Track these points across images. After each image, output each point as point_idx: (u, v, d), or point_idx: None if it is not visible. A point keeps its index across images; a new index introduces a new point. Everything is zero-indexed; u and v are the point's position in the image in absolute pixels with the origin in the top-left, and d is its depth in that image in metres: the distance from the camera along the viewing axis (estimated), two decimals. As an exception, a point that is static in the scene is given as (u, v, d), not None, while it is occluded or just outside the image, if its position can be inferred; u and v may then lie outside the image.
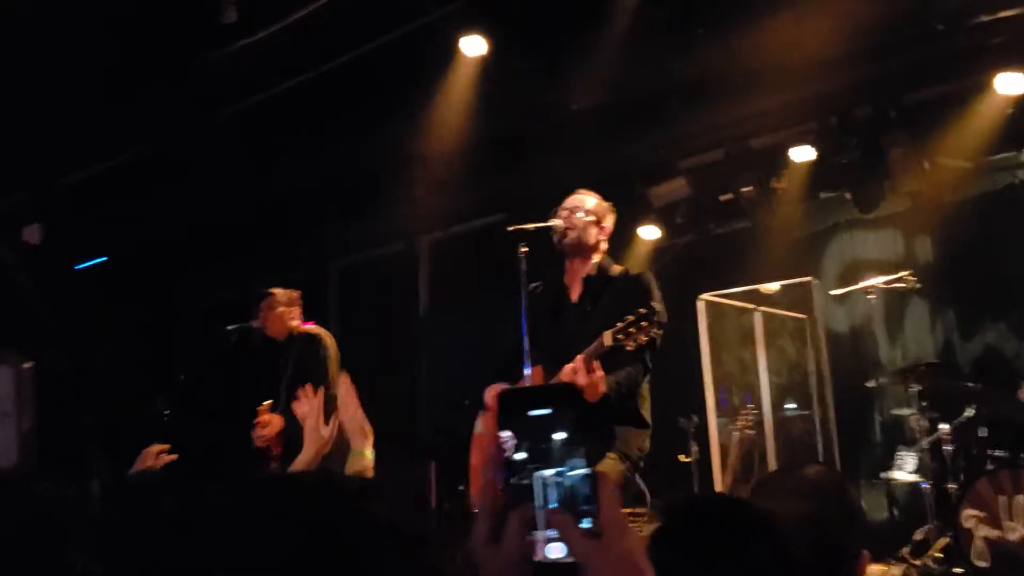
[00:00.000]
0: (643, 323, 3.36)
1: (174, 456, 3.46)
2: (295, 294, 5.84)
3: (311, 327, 5.70)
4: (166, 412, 5.92)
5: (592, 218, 3.94)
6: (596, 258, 3.96)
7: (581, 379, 3.37)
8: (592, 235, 3.92)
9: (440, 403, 8.93)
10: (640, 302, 3.55)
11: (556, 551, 0.88)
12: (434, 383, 9.02)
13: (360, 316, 8.97)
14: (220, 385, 7.13)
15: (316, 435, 2.89)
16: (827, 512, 1.70)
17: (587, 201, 3.98)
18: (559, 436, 0.91)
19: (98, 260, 9.40)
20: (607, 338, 3.40)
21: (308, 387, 3.13)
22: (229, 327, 6.03)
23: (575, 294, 3.97)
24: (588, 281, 3.93)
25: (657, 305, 3.52)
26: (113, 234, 8.77)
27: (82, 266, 9.43)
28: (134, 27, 6.01)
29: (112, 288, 8.72)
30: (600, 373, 3.39)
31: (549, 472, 0.90)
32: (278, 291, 5.76)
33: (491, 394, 3.96)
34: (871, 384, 6.56)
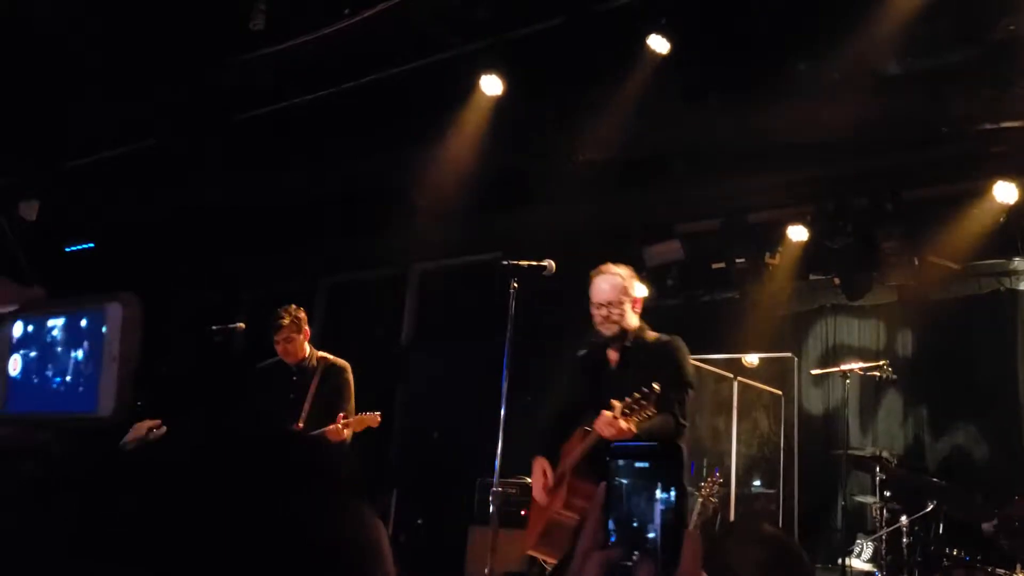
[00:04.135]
0: (643, 402, 3.61)
1: (164, 430, 3.49)
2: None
3: (332, 357, 5.64)
4: (139, 402, 5.90)
5: (627, 301, 4.08)
6: (634, 325, 4.12)
7: (612, 431, 3.62)
8: (630, 315, 4.09)
9: (410, 433, 8.93)
10: (666, 366, 3.87)
11: None
12: (407, 411, 9.02)
13: (343, 334, 8.99)
14: (199, 383, 7.12)
15: None
16: (782, 561, 1.76)
17: (616, 287, 4.08)
18: (655, 489, 0.99)
19: (87, 245, 9.41)
20: (616, 410, 3.65)
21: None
22: (214, 327, 6.02)
23: (614, 358, 4.14)
24: (625, 349, 4.10)
25: (684, 371, 3.93)
26: (111, 221, 8.81)
27: (72, 248, 9.44)
28: (165, 20, 6.11)
29: (104, 274, 8.73)
30: (628, 424, 3.62)
31: (641, 522, 0.97)
32: (302, 312, 5.58)
33: (539, 469, 4.13)
34: (838, 468, 6.61)
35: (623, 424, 3.60)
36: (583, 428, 3.97)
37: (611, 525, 0.98)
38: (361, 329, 9.07)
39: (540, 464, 4.10)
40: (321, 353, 5.60)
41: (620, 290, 4.05)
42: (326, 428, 5.17)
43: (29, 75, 6.64)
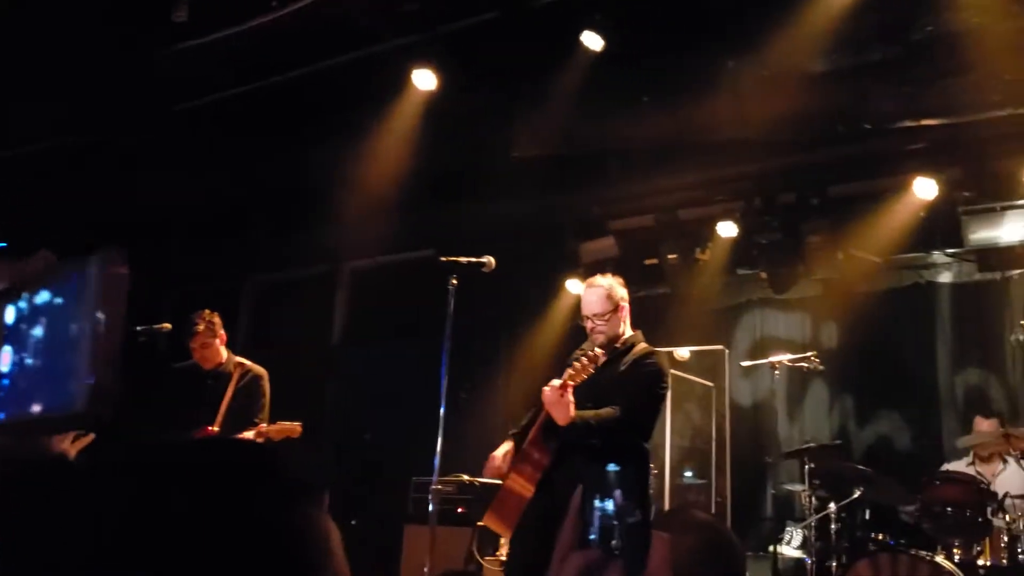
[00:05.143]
0: (584, 360, 3.81)
1: (91, 437, 3.37)
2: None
3: (250, 363, 5.58)
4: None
5: (611, 312, 4.14)
6: (627, 333, 4.22)
7: (551, 395, 3.77)
8: (619, 324, 4.19)
9: (341, 433, 8.81)
10: (638, 378, 3.95)
11: None
12: (338, 412, 8.90)
13: (271, 335, 8.83)
14: (123, 384, 6.92)
15: None
16: (715, 547, 1.78)
17: (601, 299, 4.17)
18: (623, 493, 1.01)
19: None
20: (565, 374, 3.83)
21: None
22: (138, 328, 5.87)
23: (602, 361, 4.21)
24: (613, 351, 4.18)
25: (654, 381, 4.01)
26: (24, 219, 8.47)
27: (-17, 249, 9.05)
28: (86, 12, 5.90)
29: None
30: (568, 398, 3.76)
31: (612, 523, 1.01)
32: (216, 317, 5.55)
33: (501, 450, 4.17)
34: (768, 458, 6.74)
35: (563, 397, 3.74)
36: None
37: (587, 528, 0.99)
38: (290, 328, 8.92)
39: (505, 445, 4.19)
40: (239, 359, 5.56)
41: (605, 301, 4.15)
42: (239, 436, 5.09)
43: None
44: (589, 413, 3.82)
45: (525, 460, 3.92)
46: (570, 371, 3.80)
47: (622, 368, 4.03)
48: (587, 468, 1.06)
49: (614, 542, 0.98)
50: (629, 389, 3.93)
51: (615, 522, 0.99)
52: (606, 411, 3.85)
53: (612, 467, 1.02)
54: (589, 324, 4.16)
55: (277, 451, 0.88)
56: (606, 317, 4.12)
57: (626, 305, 4.23)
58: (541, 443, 3.92)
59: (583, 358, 3.82)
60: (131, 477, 0.75)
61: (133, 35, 6.31)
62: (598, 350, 3.90)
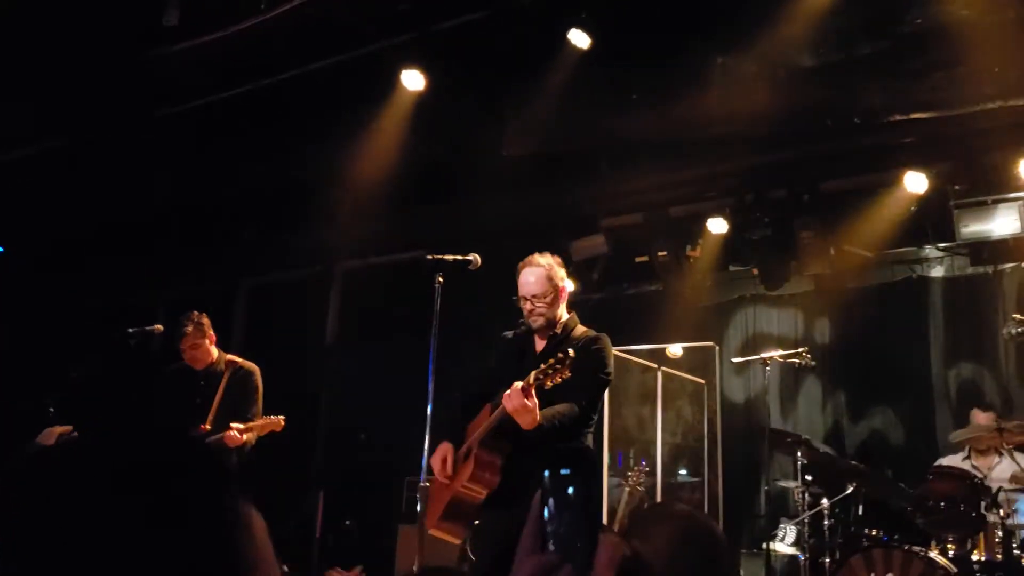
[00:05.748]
0: (558, 366, 3.57)
1: (75, 437, 3.38)
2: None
3: (241, 360, 5.60)
4: (51, 408, 5.71)
5: (552, 293, 4.03)
6: (563, 317, 4.11)
7: (515, 401, 3.57)
8: (557, 307, 4.07)
9: (336, 433, 8.81)
10: (587, 361, 3.77)
11: None
12: (333, 412, 8.90)
13: (266, 337, 8.82)
14: (114, 386, 6.91)
15: None
16: (693, 537, 1.77)
17: (540, 279, 4.03)
18: (573, 495, 1.02)
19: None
20: (531, 377, 3.61)
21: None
22: (131, 330, 5.88)
23: (540, 346, 4.12)
24: (552, 337, 4.08)
25: (603, 368, 3.88)
26: (18, 223, 8.48)
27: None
28: (78, 14, 5.90)
29: (10, 279, 8.40)
30: (535, 402, 3.59)
31: (547, 529, 1.01)
32: (205, 318, 5.59)
33: (439, 457, 4.01)
34: (760, 453, 6.73)
35: (528, 402, 3.57)
36: (490, 404, 3.94)
37: (545, 531, 1.00)
38: (285, 330, 8.91)
39: (444, 449, 4.02)
40: (230, 356, 5.61)
41: (545, 282, 4.00)
42: (222, 434, 5.12)
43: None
44: (551, 412, 3.68)
45: (483, 467, 3.75)
46: (537, 374, 3.58)
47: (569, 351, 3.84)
48: (547, 474, 1.06)
49: (551, 546, 0.99)
50: (581, 378, 3.73)
51: (548, 528, 0.99)
52: (564, 407, 3.73)
53: (548, 473, 1.03)
54: (528, 306, 3.99)
55: (201, 442, 0.93)
56: (547, 299, 3.97)
57: (565, 287, 4.08)
58: (495, 446, 3.78)
59: (554, 362, 3.58)
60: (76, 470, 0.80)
61: (124, 38, 6.31)
62: (571, 350, 3.63)
